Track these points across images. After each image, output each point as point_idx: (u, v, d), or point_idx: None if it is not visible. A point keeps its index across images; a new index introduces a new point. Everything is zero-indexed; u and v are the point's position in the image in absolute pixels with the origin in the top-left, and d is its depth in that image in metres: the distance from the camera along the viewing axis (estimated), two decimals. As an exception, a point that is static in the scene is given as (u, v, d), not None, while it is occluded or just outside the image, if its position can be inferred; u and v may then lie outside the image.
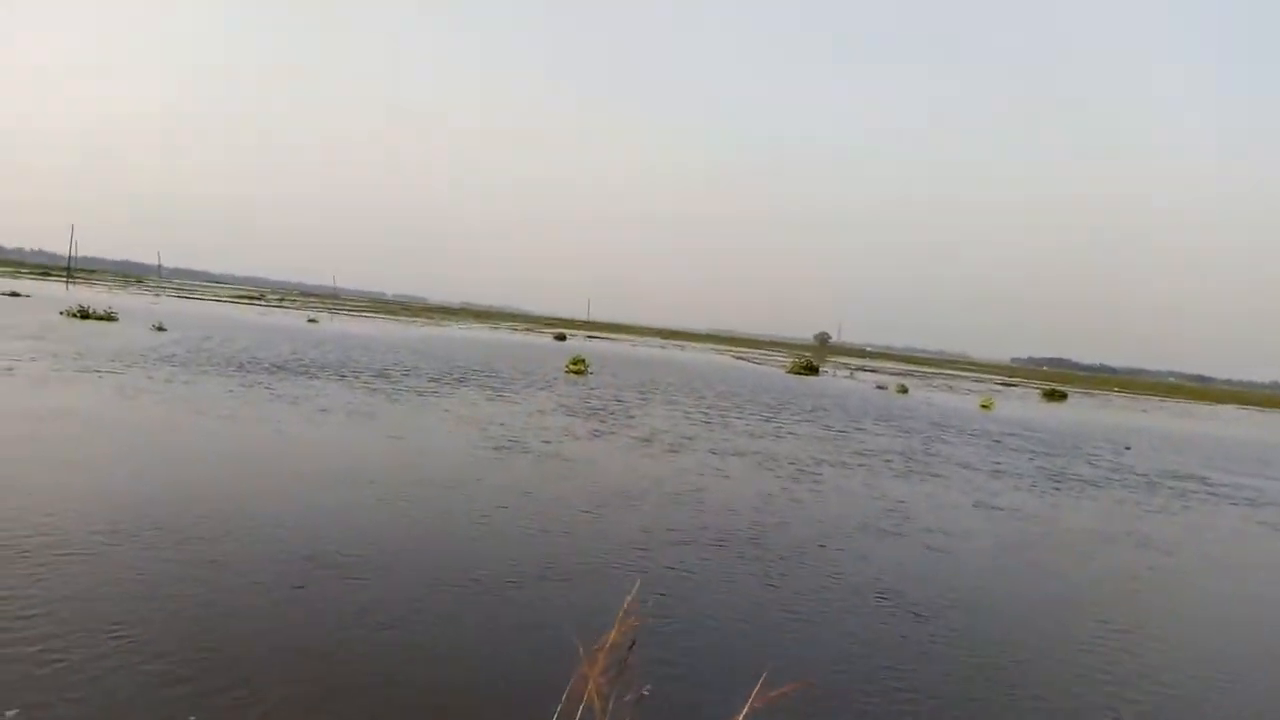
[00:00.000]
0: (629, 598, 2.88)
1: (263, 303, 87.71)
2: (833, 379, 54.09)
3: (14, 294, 47.30)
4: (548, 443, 14.44)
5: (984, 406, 39.03)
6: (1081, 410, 49.16)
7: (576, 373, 32.24)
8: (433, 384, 22.18)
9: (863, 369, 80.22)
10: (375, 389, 19.58)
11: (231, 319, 46.81)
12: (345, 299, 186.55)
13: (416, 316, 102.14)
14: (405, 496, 9.66)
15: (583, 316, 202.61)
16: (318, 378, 20.62)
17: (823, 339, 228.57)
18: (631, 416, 19.72)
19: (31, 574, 6.00)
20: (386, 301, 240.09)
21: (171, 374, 18.26)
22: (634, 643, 2.72)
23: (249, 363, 22.33)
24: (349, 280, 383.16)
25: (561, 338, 76.22)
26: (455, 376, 25.04)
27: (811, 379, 49.43)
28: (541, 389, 24.14)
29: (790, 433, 19.89)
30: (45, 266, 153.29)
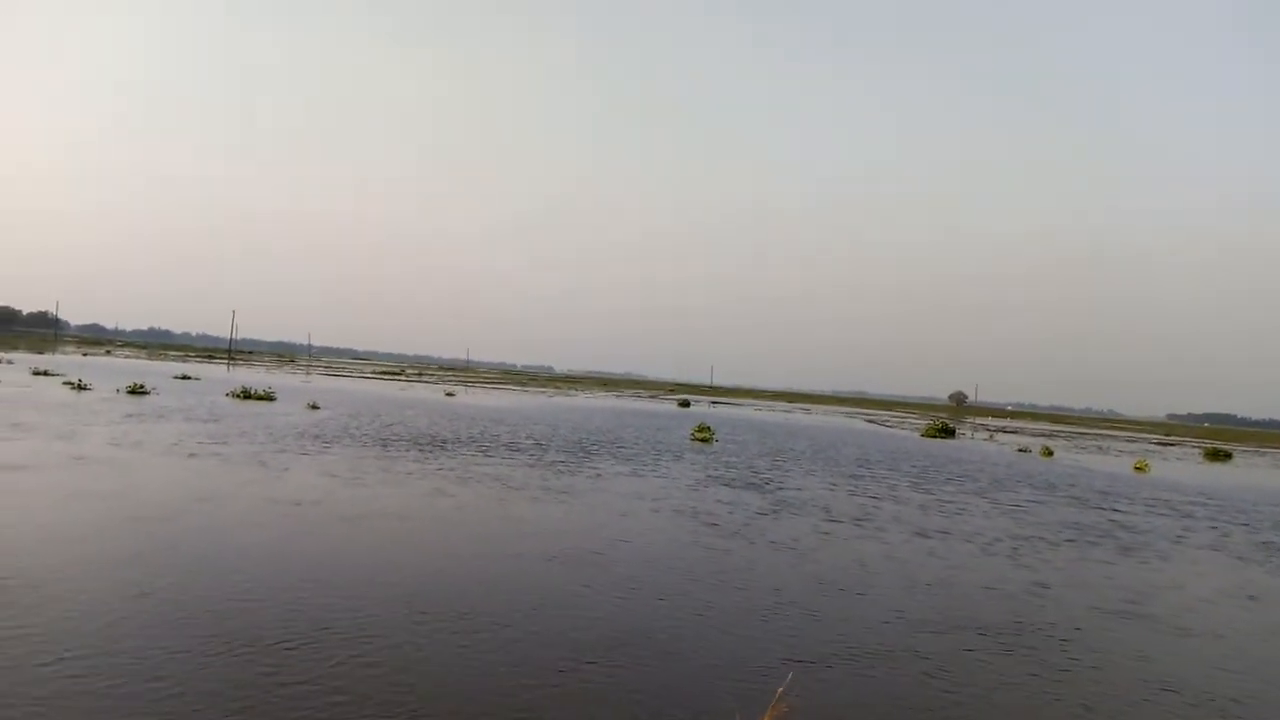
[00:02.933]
0: (780, 689, 2.93)
1: (403, 378, 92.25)
2: (971, 442, 51.86)
3: (185, 376, 51.57)
4: (747, 524, 14.31)
5: (1138, 469, 36.38)
6: (1255, 472, 45.04)
7: (702, 440, 32.25)
8: (573, 456, 22.68)
9: (1003, 430, 76.46)
10: (547, 463, 20.22)
11: (377, 395, 49.47)
12: (478, 371, 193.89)
13: (545, 387, 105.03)
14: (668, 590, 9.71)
15: (706, 381, 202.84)
16: (493, 453, 21.48)
17: (959, 399, 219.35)
18: (781, 488, 19.54)
19: (395, 674, 6.52)
20: (516, 372, 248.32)
21: (366, 454, 19.46)
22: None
23: (419, 439, 23.53)
24: (481, 353, 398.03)
25: (685, 404, 76.48)
26: (599, 447, 25.56)
27: (949, 442, 47.56)
28: (673, 459, 24.26)
29: (953, 503, 19.17)
30: (210, 349, 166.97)
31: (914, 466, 28.44)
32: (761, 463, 25.36)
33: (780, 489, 19.26)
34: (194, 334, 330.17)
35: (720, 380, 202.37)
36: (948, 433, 54.50)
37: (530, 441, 26.10)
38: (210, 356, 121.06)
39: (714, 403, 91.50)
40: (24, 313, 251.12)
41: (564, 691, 6.29)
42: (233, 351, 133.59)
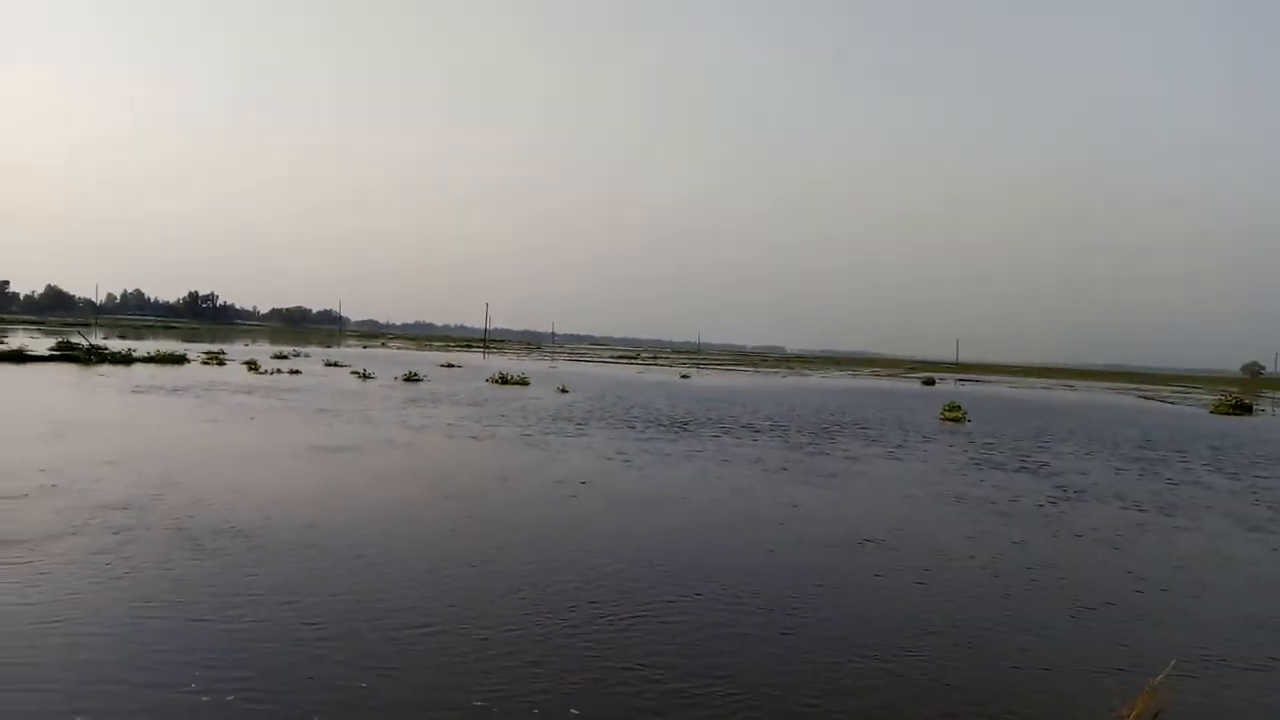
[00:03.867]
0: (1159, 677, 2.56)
1: (638, 362, 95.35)
2: (1275, 419, 45.05)
3: (449, 365, 56.51)
4: (1039, 512, 13.52)
5: None
6: None
7: (953, 420, 30.42)
8: (817, 437, 22.25)
9: (1315, 405, 65.73)
10: (794, 445, 20.14)
11: (617, 379, 51.46)
12: (709, 353, 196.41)
13: (777, 367, 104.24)
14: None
15: (950, 358, 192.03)
16: (738, 434, 21.73)
17: (1253, 370, 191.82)
18: (1060, 472, 18.02)
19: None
20: (746, 353, 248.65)
21: (628, 436, 20.43)
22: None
23: (662, 419, 24.26)
24: (710, 336, 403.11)
25: (930, 382, 72.71)
26: (841, 428, 24.96)
27: (1246, 420, 41.58)
28: (923, 440, 23.07)
29: (1272, 490, 16.77)
30: (467, 339, 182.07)
31: (1211, 448, 25.02)
32: (1027, 444, 23.41)
33: (1060, 473, 17.59)
34: (452, 325, 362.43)
35: (966, 356, 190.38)
36: (1243, 409, 47.69)
37: (768, 422, 25.88)
38: (468, 346, 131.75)
39: (960, 380, 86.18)
40: (313, 311, 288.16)
41: (889, 671, 6.12)
42: (487, 341, 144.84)
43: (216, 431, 17.40)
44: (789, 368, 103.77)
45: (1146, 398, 64.34)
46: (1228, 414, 44.86)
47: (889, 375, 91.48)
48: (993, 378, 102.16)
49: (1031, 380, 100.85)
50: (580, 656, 6.19)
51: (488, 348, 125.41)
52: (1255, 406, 53.84)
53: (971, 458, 19.60)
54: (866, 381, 70.34)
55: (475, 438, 18.59)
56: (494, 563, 8.53)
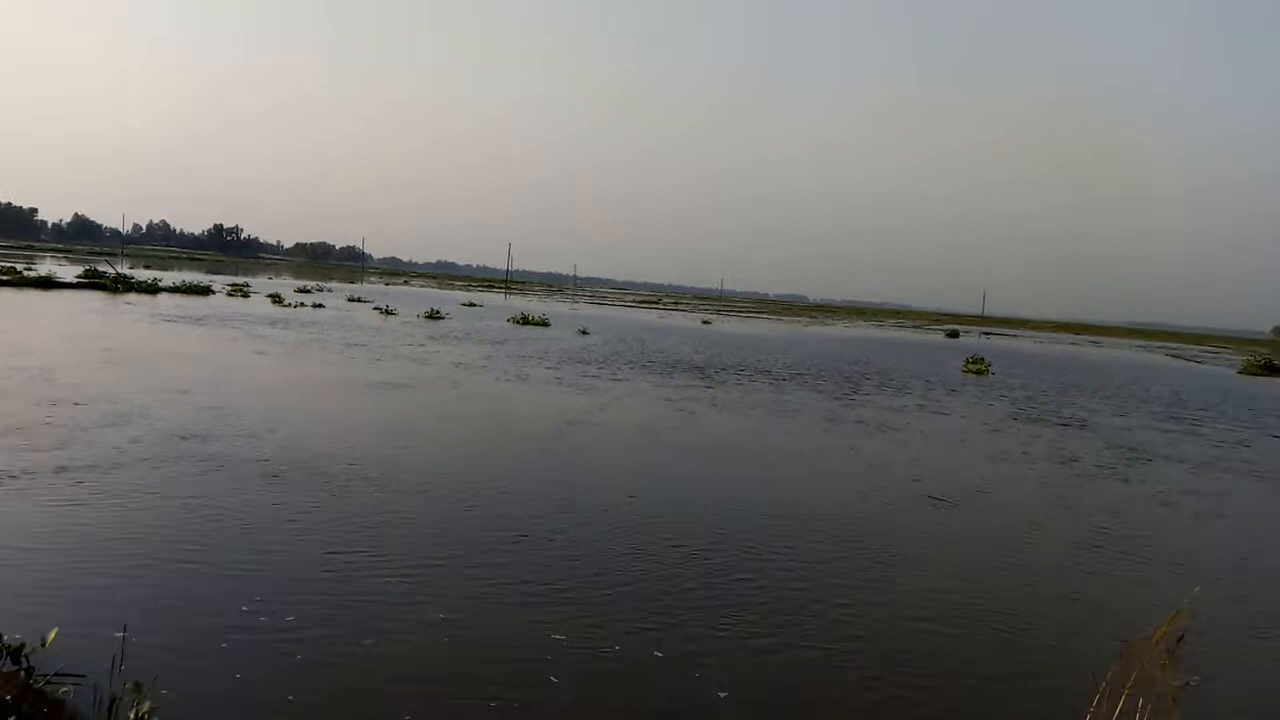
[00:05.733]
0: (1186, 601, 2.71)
1: (659, 306, 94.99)
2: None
3: (471, 304, 56.54)
4: (1103, 470, 13.47)
5: None
6: None
7: (977, 372, 30.11)
8: (842, 387, 22.12)
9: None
10: (830, 394, 20.05)
11: (638, 322, 51.33)
12: (731, 300, 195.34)
13: (799, 316, 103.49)
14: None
15: (976, 311, 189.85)
16: (758, 380, 21.66)
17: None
18: (1070, 423, 17.83)
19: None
20: (770, 301, 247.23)
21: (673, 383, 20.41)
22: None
23: (688, 364, 24.20)
24: (734, 284, 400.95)
25: (954, 334, 72.02)
26: (866, 379, 24.79)
27: (1275, 380, 40.90)
28: (947, 393, 22.81)
29: None
30: (489, 279, 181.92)
31: (1248, 409, 24.66)
32: (1055, 398, 23.17)
33: (1102, 430, 17.39)
34: (474, 266, 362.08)
35: (993, 310, 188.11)
36: (1273, 370, 46.87)
37: (789, 370, 25.72)
38: (489, 286, 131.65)
39: (985, 333, 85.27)
40: (337, 247, 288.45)
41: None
42: (509, 282, 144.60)
43: (269, 364, 17.63)
44: (811, 317, 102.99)
45: (1175, 356, 63.45)
46: (1256, 374, 44.17)
47: (914, 327, 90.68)
48: (1019, 332, 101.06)
49: (1058, 335, 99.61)
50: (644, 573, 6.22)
51: (509, 289, 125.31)
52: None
53: (1002, 413, 19.25)
54: (891, 332, 69.77)
55: (516, 378, 18.58)
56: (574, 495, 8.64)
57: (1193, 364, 53.63)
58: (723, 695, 4.78)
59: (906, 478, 11.19)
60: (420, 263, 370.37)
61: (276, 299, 40.73)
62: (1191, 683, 2.82)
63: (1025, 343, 69.51)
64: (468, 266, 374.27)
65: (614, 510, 8.43)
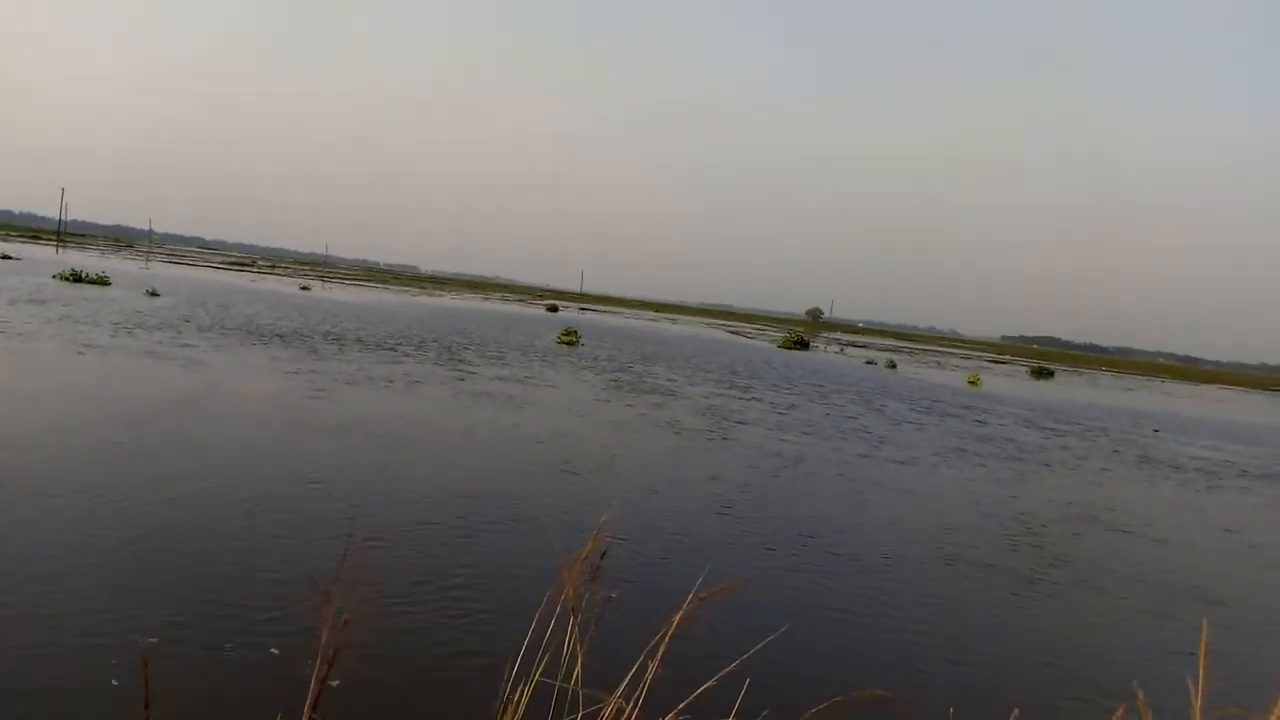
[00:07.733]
0: (604, 518, 3.31)
1: (253, 269, 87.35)
2: (823, 355, 54.47)
3: (5, 256, 46.96)
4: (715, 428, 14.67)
5: (971, 383, 39.43)
6: (1070, 388, 49.76)
7: (568, 344, 32.44)
8: (443, 355, 22.36)
9: (853, 345, 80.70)
10: (438, 361, 19.80)
11: (223, 285, 46.80)
12: (337, 267, 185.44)
13: (408, 286, 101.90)
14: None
15: (576, 288, 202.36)
16: (329, 348, 20.79)
17: (815, 315, 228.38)
18: (659, 391, 20.02)
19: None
20: (379, 270, 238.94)
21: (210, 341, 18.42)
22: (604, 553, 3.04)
23: (262, 330, 22.48)
24: (342, 249, 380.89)
25: (554, 309, 76.32)
26: (467, 349, 25.27)
27: (803, 354, 49.78)
28: (544, 364, 24.13)
29: (835, 409, 20.29)
30: (35, 230, 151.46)
31: (783, 376, 29.86)
32: (637, 367, 25.97)
33: (656, 389, 19.82)
34: (15, 212, 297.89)
35: (590, 288, 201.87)
36: (803, 345, 57.04)
37: (393, 342, 25.50)
38: (36, 237, 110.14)
39: (583, 309, 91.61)
40: None
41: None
42: (62, 234, 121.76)
43: None
44: (421, 287, 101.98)
45: (734, 333, 73.95)
46: (790, 349, 53.36)
47: (519, 300, 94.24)
48: (611, 309, 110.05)
49: (643, 312, 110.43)
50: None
51: (63, 241, 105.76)
52: (812, 344, 64.66)
53: (604, 381, 21.16)
54: (497, 305, 71.81)
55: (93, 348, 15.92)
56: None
57: (747, 340, 63.01)
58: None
59: (539, 449, 11.88)
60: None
61: None
62: (613, 596, 3.60)
63: (615, 318, 76.06)
64: (6, 213, 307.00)
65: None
